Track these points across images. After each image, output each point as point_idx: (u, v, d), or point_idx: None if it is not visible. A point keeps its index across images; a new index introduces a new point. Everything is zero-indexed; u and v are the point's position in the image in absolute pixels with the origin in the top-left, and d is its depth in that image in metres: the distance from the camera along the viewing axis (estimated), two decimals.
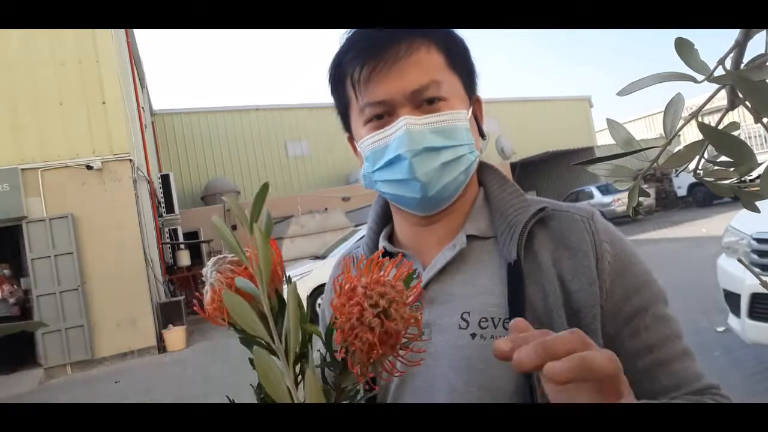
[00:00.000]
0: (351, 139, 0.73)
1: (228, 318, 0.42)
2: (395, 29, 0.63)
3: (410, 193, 0.64)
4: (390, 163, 0.64)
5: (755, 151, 0.34)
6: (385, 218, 0.77)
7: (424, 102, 0.63)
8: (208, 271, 0.45)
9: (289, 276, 0.44)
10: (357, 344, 0.36)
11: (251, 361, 0.37)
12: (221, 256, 0.46)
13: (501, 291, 0.61)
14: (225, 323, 0.44)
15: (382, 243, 0.73)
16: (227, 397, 0.46)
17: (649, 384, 0.59)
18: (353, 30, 0.66)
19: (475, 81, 0.71)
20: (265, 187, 0.38)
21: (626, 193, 0.43)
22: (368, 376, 0.40)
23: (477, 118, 0.72)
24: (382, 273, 0.39)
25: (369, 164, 0.67)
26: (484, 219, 0.68)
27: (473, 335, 0.61)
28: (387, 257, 0.71)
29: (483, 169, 0.73)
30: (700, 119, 0.36)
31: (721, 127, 0.37)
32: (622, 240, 0.65)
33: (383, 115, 0.64)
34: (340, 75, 0.67)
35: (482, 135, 0.73)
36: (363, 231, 0.76)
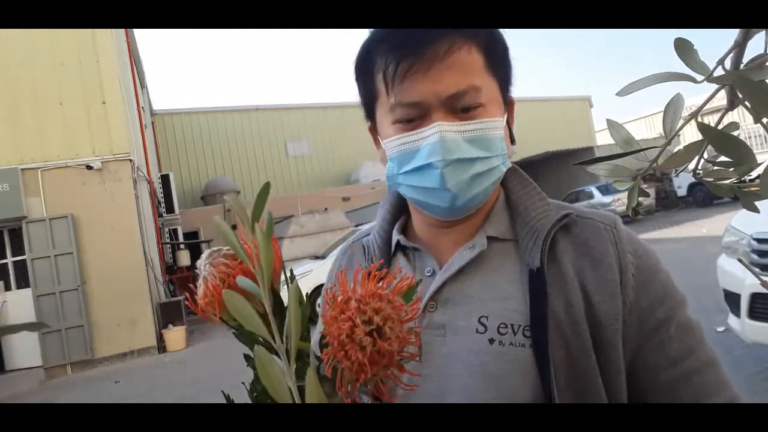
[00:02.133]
0: (372, 130, 0.70)
1: (220, 313, 0.42)
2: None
3: (438, 202, 0.62)
4: (419, 169, 0.61)
5: (755, 151, 0.34)
6: (400, 209, 0.74)
7: (460, 108, 0.60)
8: (202, 263, 0.44)
9: (292, 272, 0.43)
10: (346, 363, 0.34)
11: (246, 357, 0.37)
12: (215, 249, 0.45)
13: (522, 297, 0.59)
14: (217, 318, 0.43)
15: (397, 236, 0.70)
16: (222, 392, 0.45)
17: (672, 399, 0.58)
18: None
19: (511, 82, 0.68)
20: (266, 187, 0.38)
21: (626, 193, 0.43)
22: (355, 397, 0.37)
23: (509, 123, 0.69)
24: (380, 285, 0.36)
25: (394, 165, 0.64)
26: (504, 221, 0.66)
27: (491, 340, 0.59)
28: (399, 251, 0.71)
29: None
30: (699, 119, 0.36)
31: (720, 127, 0.37)
32: (645, 249, 0.63)
33: (415, 118, 0.61)
34: (369, 65, 0.64)
35: (513, 140, 0.70)
36: (365, 225, 0.73)
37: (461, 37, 0.59)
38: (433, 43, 0.58)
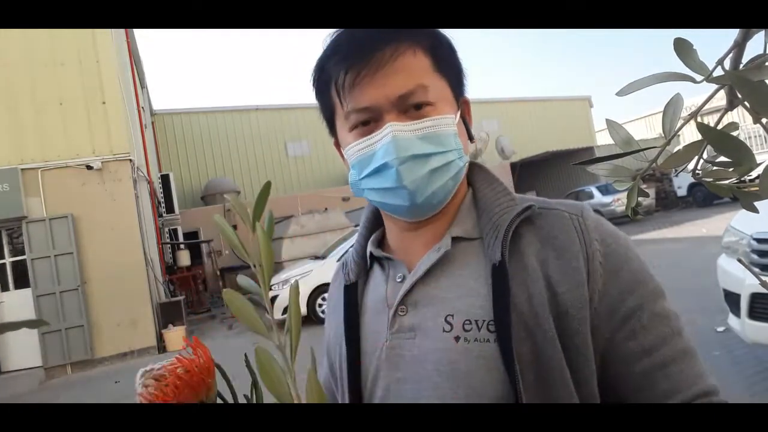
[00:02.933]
0: (337, 145, 0.72)
1: None
2: (380, 31, 0.61)
3: (398, 201, 0.63)
4: (377, 171, 0.63)
5: (754, 152, 0.34)
6: (375, 223, 0.76)
7: (411, 107, 0.62)
8: (136, 383, 0.50)
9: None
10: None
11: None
12: (147, 368, 0.52)
13: (487, 293, 0.60)
14: None
15: (370, 248, 0.73)
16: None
17: (649, 389, 0.57)
18: (337, 31, 0.64)
19: (463, 82, 0.69)
20: (267, 186, 0.38)
21: (626, 193, 0.43)
22: None
23: (465, 121, 0.70)
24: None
25: (356, 172, 0.66)
26: (470, 220, 0.67)
27: (457, 338, 0.60)
28: (375, 263, 0.73)
29: (472, 169, 0.72)
30: (699, 119, 0.36)
31: (720, 127, 0.37)
32: (615, 236, 0.62)
33: (369, 122, 0.63)
34: (324, 80, 0.66)
35: (471, 137, 0.71)
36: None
37: (405, 41, 0.62)
38: (379, 49, 0.60)
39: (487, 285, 0.60)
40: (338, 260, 0.83)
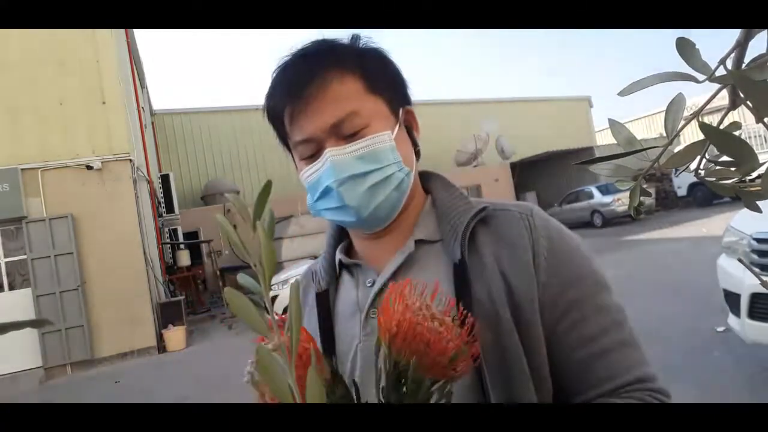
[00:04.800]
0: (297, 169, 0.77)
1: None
2: (308, 63, 0.66)
3: (346, 218, 0.68)
4: (323, 194, 0.68)
5: (756, 151, 0.34)
6: (342, 232, 0.80)
7: (346, 133, 0.66)
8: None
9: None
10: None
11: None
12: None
13: (449, 290, 0.63)
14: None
15: (338, 256, 0.77)
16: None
17: (585, 375, 0.61)
18: (277, 67, 0.69)
19: (403, 93, 0.73)
20: (268, 185, 0.38)
21: (626, 193, 0.43)
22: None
23: (410, 130, 0.74)
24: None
25: (310, 196, 0.71)
26: (431, 224, 0.72)
27: None
28: (344, 270, 0.76)
29: (429, 177, 0.77)
30: (701, 119, 0.36)
31: (722, 126, 0.37)
32: (561, 233, 0.67)
33: (314, 152, 0.68)
34: (273, 116, 0.71)
35: (416, 145, 0.75)
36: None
37: (332, 69, 0.66)
38: (310, 84, 0.65)
39: (449, 282, 0.64)
40: (308, 270, 0.86)
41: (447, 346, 0.46)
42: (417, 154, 0.74)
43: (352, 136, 0.66)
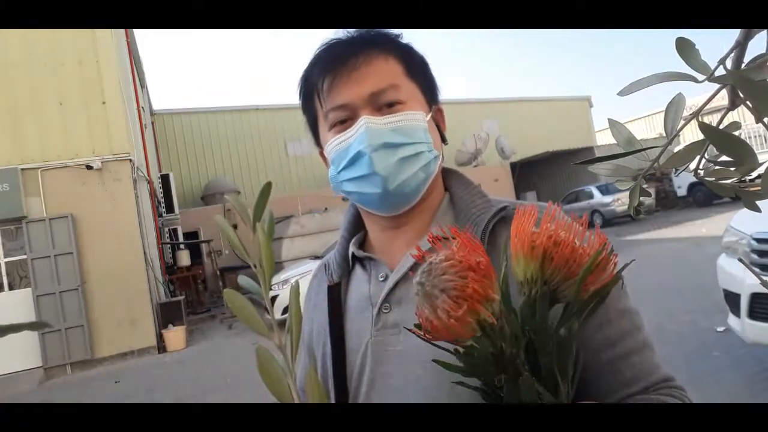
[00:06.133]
0: (322, 154, 0.77)
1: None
2: (355, 41, 0.69)
3: (372, 189, 0.67)
4: (352, 161, 0.67)
5: (756, 151, 0.34)
6: (356, 225, 0.80)
7: (384, 105, 0.68)
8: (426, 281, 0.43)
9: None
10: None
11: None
12: (430, 262, 0.44)
13: None
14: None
15: (352, 248, 0.76)
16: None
17: (612, 377, 0.61)
18: (321, 46, 0.71)
19: (435, 93, 0.75)
20: (268, 186, 0.38)
21: (626, 193, 0.43)
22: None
23: (439, 126, 0.75)
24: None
25: (334, 167, 0.71)
26: (449, 220, 0.71)
27: None
28: (357, 263, 0.75)
29: (448, 174, 0.77)
30: (700, 119, 0.36)
31: (721, 126, 0.37)
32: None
33: (346, 120, 0.68)
34: (308, 89, 0.72)
35: (444, 141, 0.76)
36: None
37: (379, 49, 0.69)
38: (353, 55, 0.67)
39: None
40: (319, 264, 0.85)
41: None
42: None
43: (388, 108, 0.68)
